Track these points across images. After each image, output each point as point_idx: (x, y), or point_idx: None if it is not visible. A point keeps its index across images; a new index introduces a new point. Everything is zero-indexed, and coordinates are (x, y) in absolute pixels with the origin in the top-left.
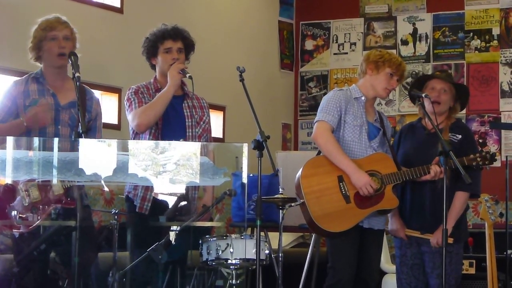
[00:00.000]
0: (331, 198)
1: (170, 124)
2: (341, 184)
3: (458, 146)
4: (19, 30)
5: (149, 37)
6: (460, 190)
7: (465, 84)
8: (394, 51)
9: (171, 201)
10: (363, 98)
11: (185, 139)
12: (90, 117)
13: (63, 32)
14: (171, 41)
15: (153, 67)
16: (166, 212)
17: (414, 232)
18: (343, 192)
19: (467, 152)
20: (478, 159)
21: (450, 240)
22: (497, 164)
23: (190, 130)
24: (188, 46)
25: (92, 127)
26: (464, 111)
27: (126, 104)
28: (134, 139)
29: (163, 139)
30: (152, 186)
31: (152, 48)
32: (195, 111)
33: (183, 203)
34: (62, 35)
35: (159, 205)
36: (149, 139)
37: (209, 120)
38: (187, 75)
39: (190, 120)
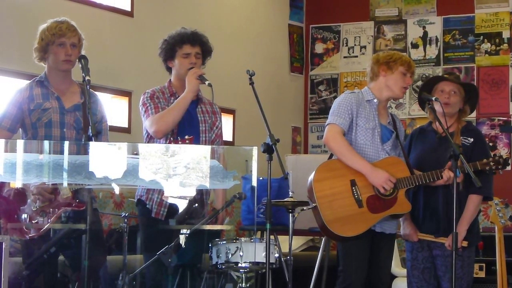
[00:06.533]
0: (344, 202)
1: (185, 129)
2: (353, 188)
3: (470, 149)
4: (27, 33)
5: (168, 40)
6: (473, 193)
7: None
8: (404, 54)
9: (181, 204)
10: (375, 100)
11: (196, 140)
12: (96, 120)
13: (71, 40)
14: (190, 46)
15: (169, 69)
16: (177, 215)
17: (428, 236)
18: (356, 196)
19: (480, 155)
20: (491, 163)
21: (465, 244)
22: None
23: (204, 135)
24: (205, 52)
25: (98, 129)
26: (474, 115)
27: (142, 109)
28: (148, 143)
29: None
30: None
31: (170, 50)
32: (208, 116)
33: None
34: (70, 43)
35: (172, 210)
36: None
37: (221, 125)
38: (206, 83)
39: (204, 125)
